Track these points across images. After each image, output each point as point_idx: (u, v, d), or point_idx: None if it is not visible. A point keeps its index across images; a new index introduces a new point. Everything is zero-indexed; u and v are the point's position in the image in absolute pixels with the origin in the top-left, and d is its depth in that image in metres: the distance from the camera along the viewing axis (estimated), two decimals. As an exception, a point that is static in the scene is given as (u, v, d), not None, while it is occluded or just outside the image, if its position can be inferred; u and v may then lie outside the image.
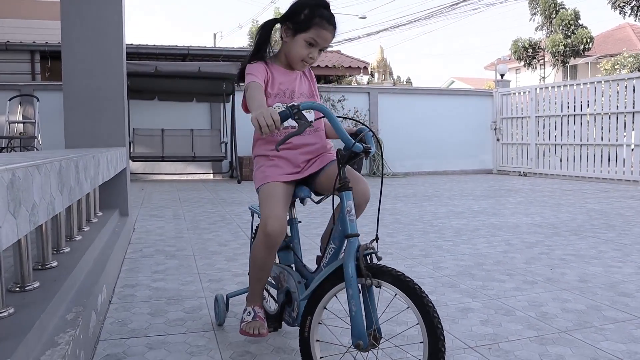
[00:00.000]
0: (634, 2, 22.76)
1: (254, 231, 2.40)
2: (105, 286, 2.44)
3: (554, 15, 24.68)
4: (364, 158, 1.74)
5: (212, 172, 10.49)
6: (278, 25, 2.06)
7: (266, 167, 1.99)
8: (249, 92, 1.84)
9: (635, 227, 4.63)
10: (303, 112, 1.64)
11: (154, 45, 12.85)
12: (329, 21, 1.95)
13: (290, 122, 1.74)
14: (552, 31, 24.85)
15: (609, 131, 9.41)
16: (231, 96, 9.73)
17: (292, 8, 1.99)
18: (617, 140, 9.28)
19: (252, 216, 2.34)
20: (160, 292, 2.76)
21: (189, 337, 2.14)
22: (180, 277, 3.06)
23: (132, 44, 12.32)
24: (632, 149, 9.02)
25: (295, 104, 1.64)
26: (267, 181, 1.94)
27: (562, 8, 24.71)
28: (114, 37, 4.01)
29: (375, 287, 1.59)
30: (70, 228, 2.64)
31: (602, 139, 9.54)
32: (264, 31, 2.08)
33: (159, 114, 10.03)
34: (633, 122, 8.99)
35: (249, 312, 1.94)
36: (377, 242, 1.64)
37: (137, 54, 12.34)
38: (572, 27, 24.14)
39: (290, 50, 2.00)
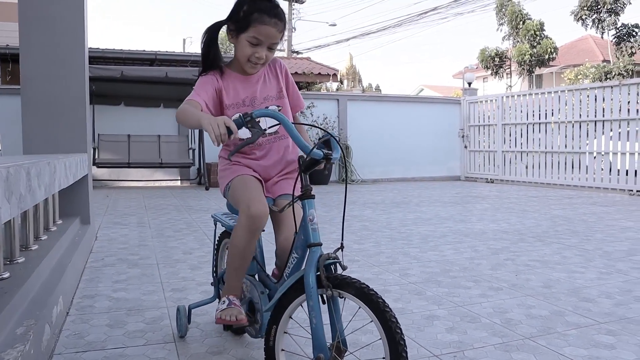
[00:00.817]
0: (595, 15, 23.49)
1: (217, 240, 2.36)
2: (61, 297, 2.35)
3: (520, 26, 25.28)
4: (326, 164, 1.67)
5: (179, 178, 10.33)
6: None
7: (233, 165, 1.94)
8: (184, 107, 1.72)
9: (597, 233, 4.72)
10: (257, 120, 1.58)
11: (121, 49, 12.64)
12: (270, 14, 1.78)
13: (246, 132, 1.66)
14: (518, 41, 25.43)
15: (573, 139, 9.63)
16: (199, 102, 9.60)
17: (233, 7, 1.85)
18: (580, 148, 9.50)
19: (215, 225, 2.28)
20: (120, 302, 2.68)
21: (149, 349, 2.07)
22: (142, 286, 2.97)
23: (97, 48, 12.09)
24: (595, 157, 9.25)
25: (248, 112, 1.59)
26: (239, 174, 1.88)
27: (528, 19, 25.32)
28: (75, 39, 3.90)
29: (339, 298, 1.54)
30: (26, 237, 2.54)
31: (565, 146, 9.76)
32: (207, 37, 1.91)
33: (125, 120, 9.84)
34: (595, 131, 9.22)
35: (224, 301, 1.83)
36: (342, 250, 1.59)
37: (102, 58, 12.11)
38: (538, 38, 24.76)
39: (236, 52, 1.87)
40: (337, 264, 1.57)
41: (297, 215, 1.72)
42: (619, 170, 8.83)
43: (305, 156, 1.65)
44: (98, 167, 8.95)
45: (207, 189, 9.18)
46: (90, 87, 7.89)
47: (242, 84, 1.92)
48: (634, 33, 23.54)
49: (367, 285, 1.51)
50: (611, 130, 8.97)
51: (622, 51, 23.56)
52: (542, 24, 24.99)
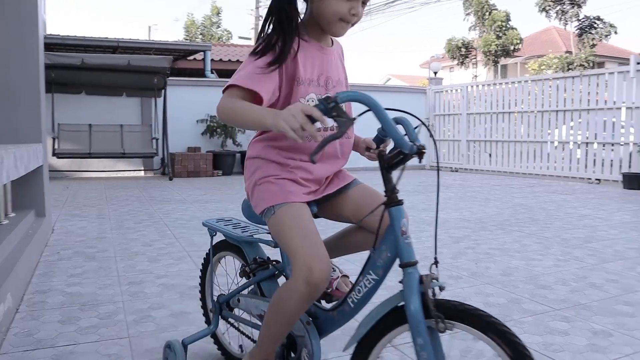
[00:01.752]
0: (558, 7, 23.93)
1: (209, 251, 1.90)
2: (10, 294, 2.27)
3: (486, 16, 25.56)
4: (419, 160, 1.29)
5: (143, 169, 10.13)
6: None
7: (285, 180, 1.43)
8: (232, 105, 1.31)
9: (556, 221, 4.82)
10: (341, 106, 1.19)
11: (82, 36, 12.25)
12: None
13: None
14: (484, 31, 25.71)
15: (535, 128, 9.81)
16: (163, 91, 9.43)
17: None
18: (542, 137, 9.69)
19: (211, 236, 1.84)
20: (74, 297, 2.60)
21: (101, 345, 2.01)
22: (98, 280, 2.89)
23: (57, 35, 11.70)
24: (556, 146, 9.45)
25: (330, 95, 1.19)
26: (291, 200, 1.40)
27: (494, 9, 25.63)
28: (29, 23, 3.75)
29: (448, 331, 1.18)
30: (-28, 231, 2.44)
31: (528, 135, 9.93)
32: (288, 7, 1.40)
33: (86, 109, 9.58)
34: (557, 120, 9.41)
35: None
36: (437, 266, 1.25)
37: (62, 45, 11.74)
38: (504, 28, 25.09)
39: (322, 10, 1.40)
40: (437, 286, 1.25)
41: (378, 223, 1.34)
42: (578, 159, 9.05)
43: (385, 150, 1.32)
44: (58, 157, 8.70)
45: (170, 179, 9.03)
46: (49, 75, 7.69)
47: (318, 56, 1.47)
48: (595, 25, 24.08)
49: (495, 319, 1.14)
50: (572, 120, 9.17)
51: (583, 43, 24.08)
52: (508, 15, 25.34)
